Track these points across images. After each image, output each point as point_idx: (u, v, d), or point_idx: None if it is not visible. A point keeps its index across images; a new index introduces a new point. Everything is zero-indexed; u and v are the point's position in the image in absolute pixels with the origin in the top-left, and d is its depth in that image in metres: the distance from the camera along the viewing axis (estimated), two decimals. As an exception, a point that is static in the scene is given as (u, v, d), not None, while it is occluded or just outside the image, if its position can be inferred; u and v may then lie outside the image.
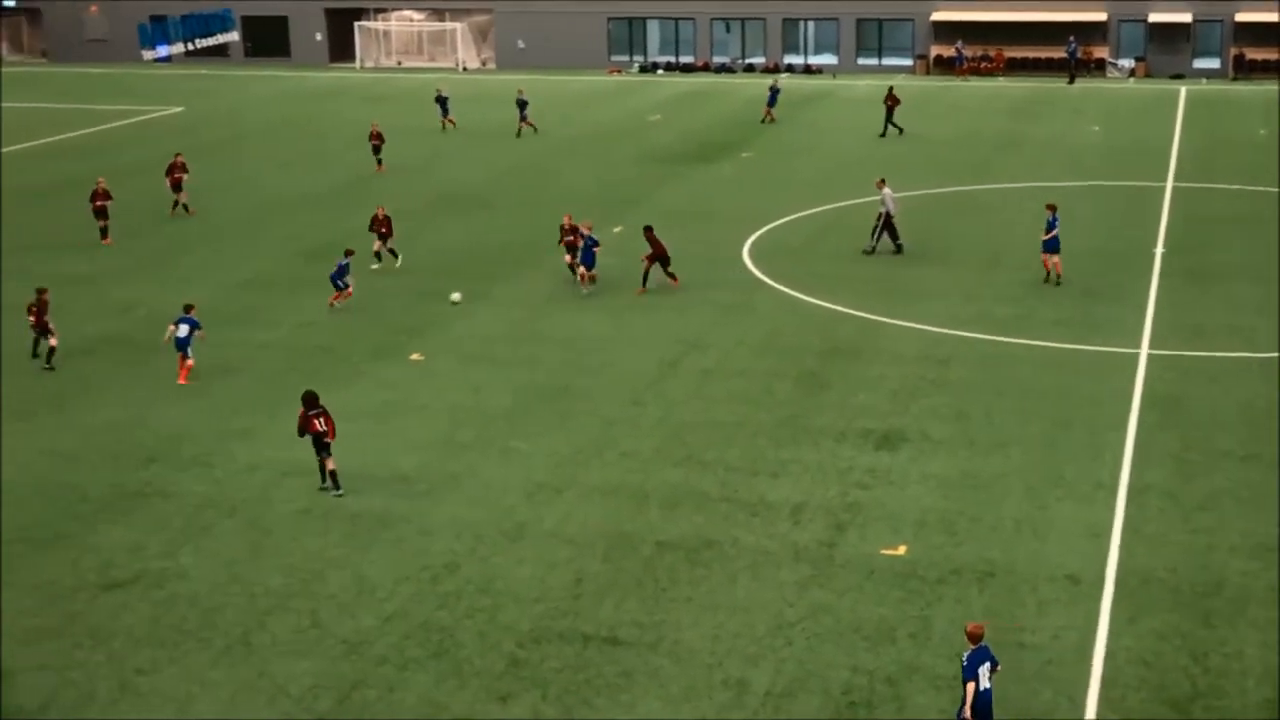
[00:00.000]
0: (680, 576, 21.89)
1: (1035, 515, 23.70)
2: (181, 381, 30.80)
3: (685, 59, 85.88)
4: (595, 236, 36.89)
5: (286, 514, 24.32)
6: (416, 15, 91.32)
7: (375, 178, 52.94)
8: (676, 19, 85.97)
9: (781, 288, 37.28)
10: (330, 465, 24.98)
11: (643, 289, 36.53)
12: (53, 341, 31.96)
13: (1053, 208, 36.99)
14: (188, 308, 31.43)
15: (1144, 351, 31.69)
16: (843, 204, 46.07)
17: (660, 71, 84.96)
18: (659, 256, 36.68)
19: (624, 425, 28.09)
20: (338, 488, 24.94)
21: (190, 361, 30.98)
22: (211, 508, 24.67)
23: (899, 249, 40.10)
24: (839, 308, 35.35)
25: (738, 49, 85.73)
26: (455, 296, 35.67)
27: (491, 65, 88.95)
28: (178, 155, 48.64)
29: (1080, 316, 34.37)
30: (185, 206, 47.27)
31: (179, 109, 72.55)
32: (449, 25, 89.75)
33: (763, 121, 63.83)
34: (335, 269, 35.68)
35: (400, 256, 40.02)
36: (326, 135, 61.43)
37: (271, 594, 21.56)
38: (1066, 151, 56.32)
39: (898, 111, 60.30)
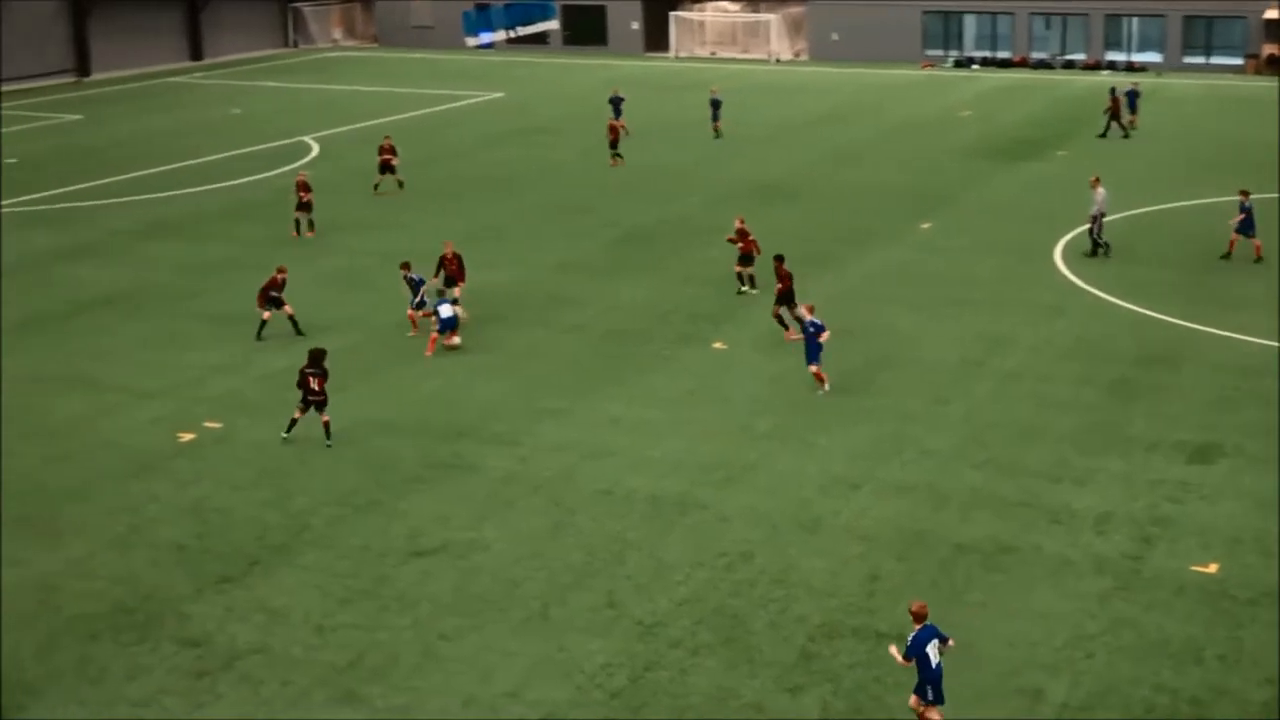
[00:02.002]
0: (976, 581, 21.58)
1: (1359, 540, 22.56)
2: (428, 353, 32.11)
3: (1002, 54, 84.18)
4: (819, 320, 29.53)
5: (589, 494, 24.86)
6: (732, 6, 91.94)
7: (691, 166, 53.54)
8: (994, 13, 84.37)
9: (1094, 290, 36.25)
10: (309, 418, 27.25)
11: (789, 333, 32.00)
12: (288, 310, 33.68)
13: (1245, 193, 38.80)
14: (440, 291, 33.47)
15: None
16: (1160, 207, 44.52)
17: (975, 66, 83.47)
18: (785, 293, 32.53)
19: (924, 423, 27.78)
20: (306, 437, 27.01)
21: (434, 335, 32.23)
22: (516, 483, 25.40)
23: (1095, 251, 39.26)
24: (1152, 313, 34.21)
25: (1057, 45, 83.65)
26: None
27: (805, 57, 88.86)
28: (386, 138, 50.94)
29: None
30: (400, 183, 49.50)
31: (500, 94, 74.69)
32: (763, 16, 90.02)
33: (1124, 128, 59.78)
34: (418, 297, 33.35)
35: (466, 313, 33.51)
36: (642, 123, 62.12)
37: (571, 571, 22.09)
38: None
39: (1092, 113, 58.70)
